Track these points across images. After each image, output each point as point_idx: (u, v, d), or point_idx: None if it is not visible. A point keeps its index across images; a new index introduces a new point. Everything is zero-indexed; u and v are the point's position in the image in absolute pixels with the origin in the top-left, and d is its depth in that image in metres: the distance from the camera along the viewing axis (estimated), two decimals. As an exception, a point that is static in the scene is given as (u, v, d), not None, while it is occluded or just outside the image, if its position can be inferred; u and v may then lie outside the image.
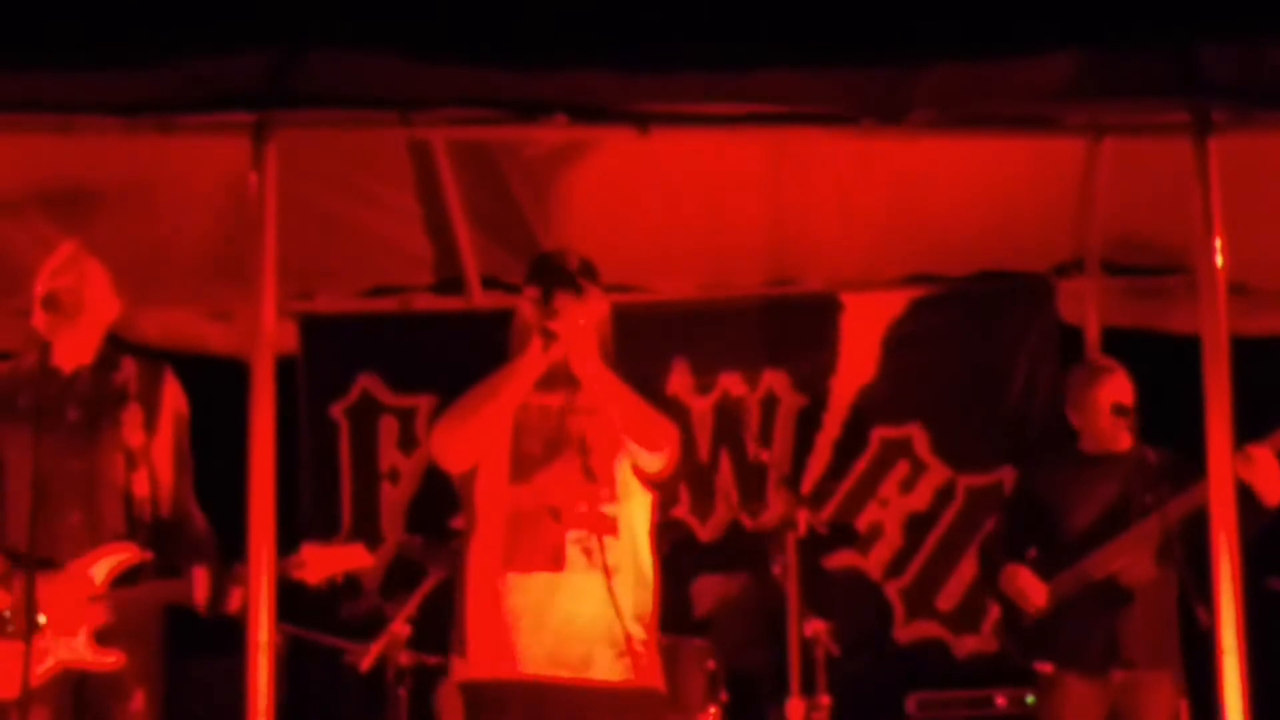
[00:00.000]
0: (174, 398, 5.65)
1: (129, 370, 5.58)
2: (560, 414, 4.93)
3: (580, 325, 4.78)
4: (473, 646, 4.87)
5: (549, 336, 4.76)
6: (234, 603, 5.44)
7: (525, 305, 4.95)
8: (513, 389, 4.86)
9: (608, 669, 4.79)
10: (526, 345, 4.86)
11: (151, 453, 5.55)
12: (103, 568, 5.37)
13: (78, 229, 6.94)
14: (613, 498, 4.89)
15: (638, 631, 4.85)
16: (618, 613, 4.78)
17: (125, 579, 5.40)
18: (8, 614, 5.23)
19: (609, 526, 4.86)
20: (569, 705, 4.76)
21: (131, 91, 5.51)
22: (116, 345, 5.67)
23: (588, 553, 4.80)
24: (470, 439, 4.92)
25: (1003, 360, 7.76)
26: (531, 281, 4.96)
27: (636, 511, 4.96)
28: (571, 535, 4.81)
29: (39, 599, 5.21)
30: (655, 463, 4.90)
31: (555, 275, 4.89)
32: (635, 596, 4.88)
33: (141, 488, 5.49)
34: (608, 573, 4.79)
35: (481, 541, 4.91)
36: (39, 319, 5.45)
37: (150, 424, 5.55)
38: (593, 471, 4.87)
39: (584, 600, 4.78)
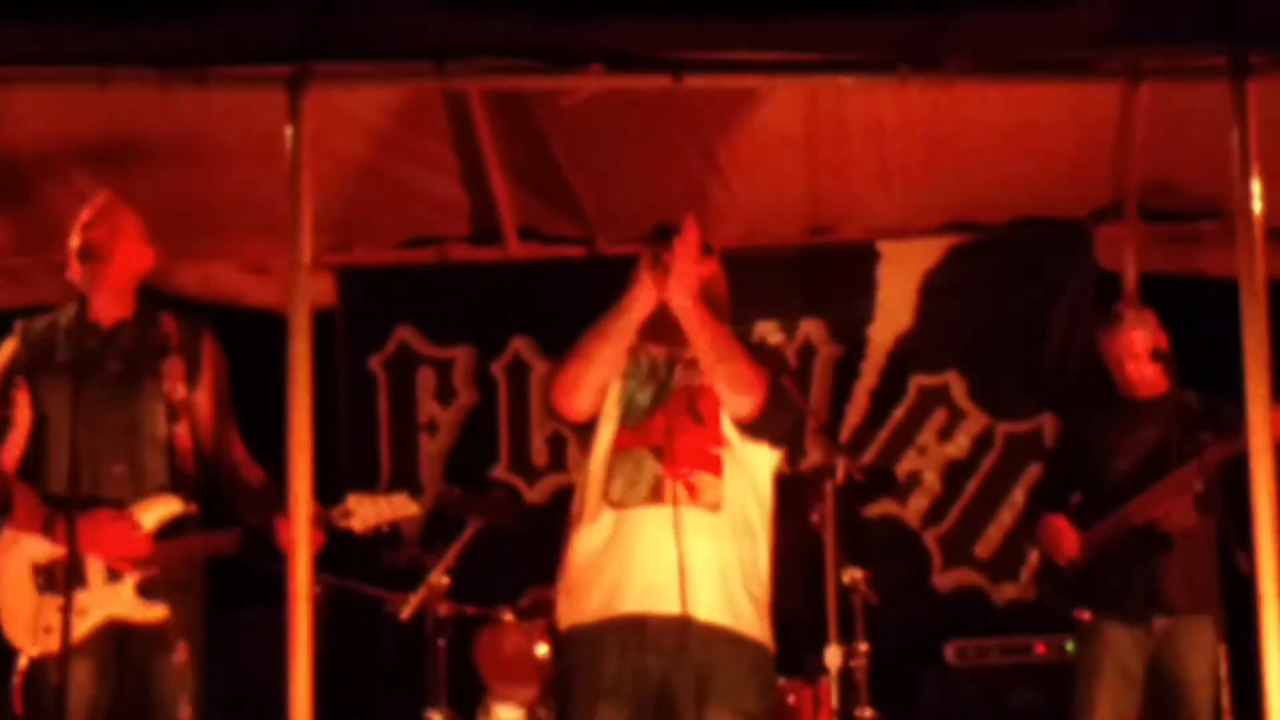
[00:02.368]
0: (215, 353, 5.68)
1: (169, 324, 5.61)
2: (669, 366, 4.93)
3: (688, 266, 4.78)
4: (572, 585, 4.86)
5: (660, 266, 4.77)
6: None
7: (641, 261, 4.88)
8: (623, 325, 4.83)
9: (709, 607, 4.72)
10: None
11: (194, 406, 5.58)
12: (148, 519, 5.41)
13: (115, 183, 6.98)
14: (719, 440, 4.85)
15: (740, 575, 4.80)
16: (716, 550, 4.76)
17: (169, 531, 5.44)
18: (54, 569, 5.27)
19: (713, 465, 4.82)
20: (668, 640, 4.70)
21: (167, 44, 5.51)
22: (154, 299, 5.69)
23: (690, 489, 4.76)
24: (589, 383, 4.87)
25: (1041, 307, 7.74)
26: (650, 240, 4.92)
27: (751, 460, 4.90)
28: (672, 470, 4.77)
29: (85, 550, 5.27)
30: (741, 406, 4.83)
31: (667, 233, 4.86)
32: (741, 542, 4.83)
33: (184, 440, 5.52)
34: (710, 508, 4.77)
35: (585, 485, 4.90)
36: (74, 271, 5.46)
37: (192, 377, 5.57)
38: (700, 415, 4.86)
39: (684, 535, 4.70)
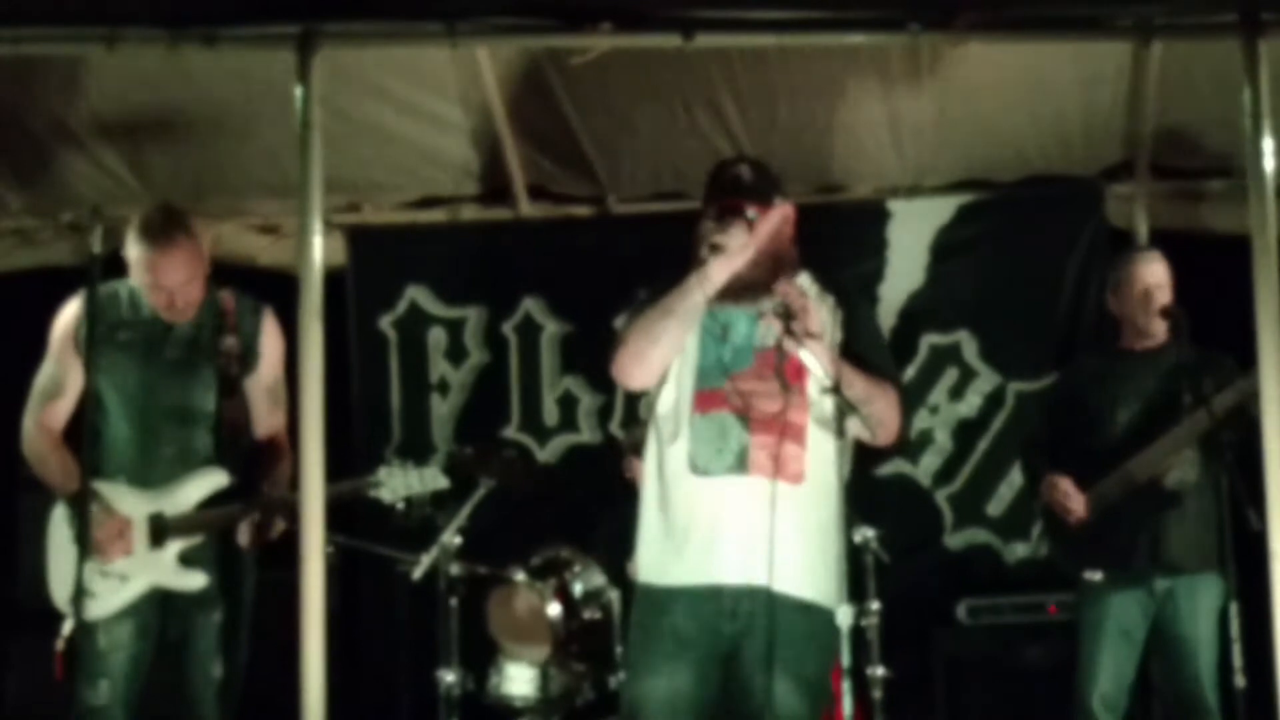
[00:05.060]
0: (274, 337, 5.70)
1: (228, 303, 5.63)
2: (749, 320, 4.83)
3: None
4: (653, 544, 4.82)
5: (717, 248, 4.69)
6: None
7: (703, 233, 4.80)
8: (689, 306, 4.71)
9: (787, 580, 4.69)
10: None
11: (246, 386, 5.61)
12: (193, 492, 5.44)
13: (126, 144, 7.00)
14: (806, 408, 4.77)
15: (820, 542, 4.74)
16: (802, 522, 4.71)
17: (214, 502, 5.50)
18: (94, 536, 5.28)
19: (798, 436, 4.76)
20: (742, 609, 4.69)
21: (176, 4, 5.51)
22: (214, 278, 5.67)
23: (776, 461, 4.70)
24: (651, 359, 4.78)
25: (1052, 265, 7.72)
26: (707, 197, 4.88)
27: (831, 428, 4.81)
28: (758, 439, 4.72)
29: (130, 522, 5.41)
30: (879, 437, 4.82)
31: (726, 192, 4.83)
32: (821, 509, 4.75)
33: (231, 414, 5.55)
34: (794, 480, 4.72)
35: (664, 444, 4.82)
36: (133, 277, 5.49)
37: (247, 358, 5.61)
38: (788, 382, 4.76)
39: (769, 507, 4.65)
